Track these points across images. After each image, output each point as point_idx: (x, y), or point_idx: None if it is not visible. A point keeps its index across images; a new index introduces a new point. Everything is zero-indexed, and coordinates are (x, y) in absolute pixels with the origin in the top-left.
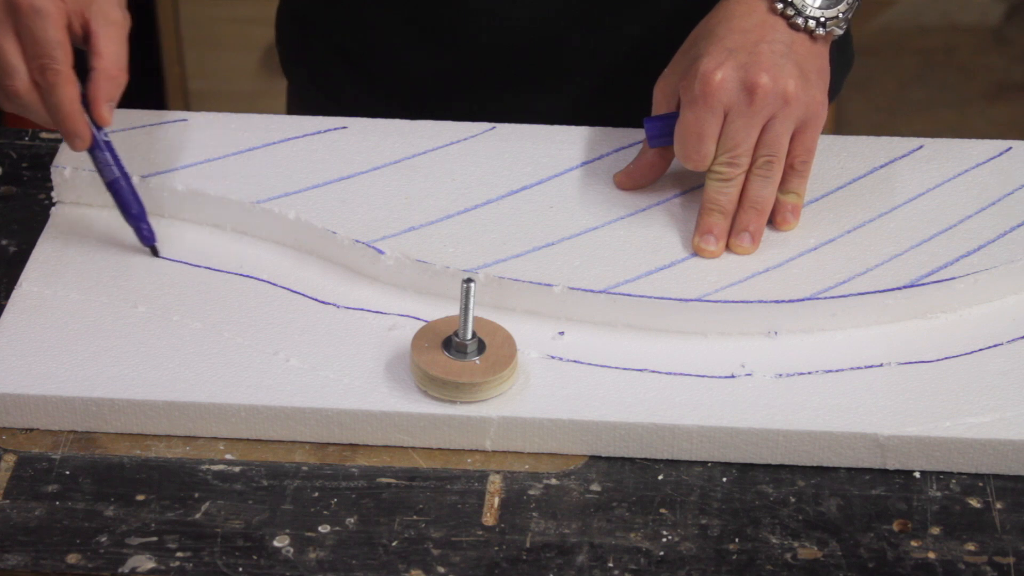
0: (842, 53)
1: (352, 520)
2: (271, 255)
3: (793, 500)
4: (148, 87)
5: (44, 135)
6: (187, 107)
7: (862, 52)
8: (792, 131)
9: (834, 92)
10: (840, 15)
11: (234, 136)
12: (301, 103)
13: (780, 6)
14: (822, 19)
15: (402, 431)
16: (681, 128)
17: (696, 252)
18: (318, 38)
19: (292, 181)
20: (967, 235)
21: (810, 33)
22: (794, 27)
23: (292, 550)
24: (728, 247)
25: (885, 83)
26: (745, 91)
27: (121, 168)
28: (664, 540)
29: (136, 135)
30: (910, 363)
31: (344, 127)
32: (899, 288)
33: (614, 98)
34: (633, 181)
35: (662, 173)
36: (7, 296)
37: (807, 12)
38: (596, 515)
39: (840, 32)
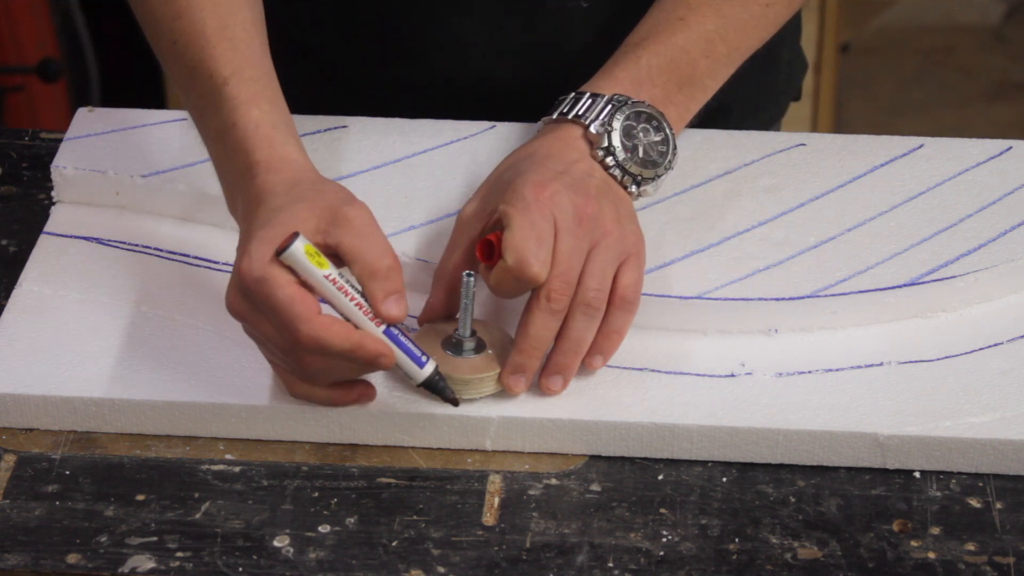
0: (797, 56)
1: (352, 520)
2: None
3: (793, 500)
4: (148, 87)
5: (44, 135)
6: None
7: (862, 52)
8: (616, 266)
9: (793, 94)
10: (656, 177)
11: None
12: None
13: (600, 153)
14: (639, 178)
15: (402, 431)
16: (518, 236)
17: (503, 388)
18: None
19: None
20: (967, 234)
21: (624, 186)
22: (610, 175)
23: (292, 550)
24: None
25: (885, 83)
26: (574, 210)
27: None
28: (664, 540)
29: (136, 135)
30: (910, 362)
31: (344, 126)
32: (899, 286)
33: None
34: (436, 315)
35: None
36: (7, 296)
37: (627, 167)
38: (596, 515)
39: (649, 195)
